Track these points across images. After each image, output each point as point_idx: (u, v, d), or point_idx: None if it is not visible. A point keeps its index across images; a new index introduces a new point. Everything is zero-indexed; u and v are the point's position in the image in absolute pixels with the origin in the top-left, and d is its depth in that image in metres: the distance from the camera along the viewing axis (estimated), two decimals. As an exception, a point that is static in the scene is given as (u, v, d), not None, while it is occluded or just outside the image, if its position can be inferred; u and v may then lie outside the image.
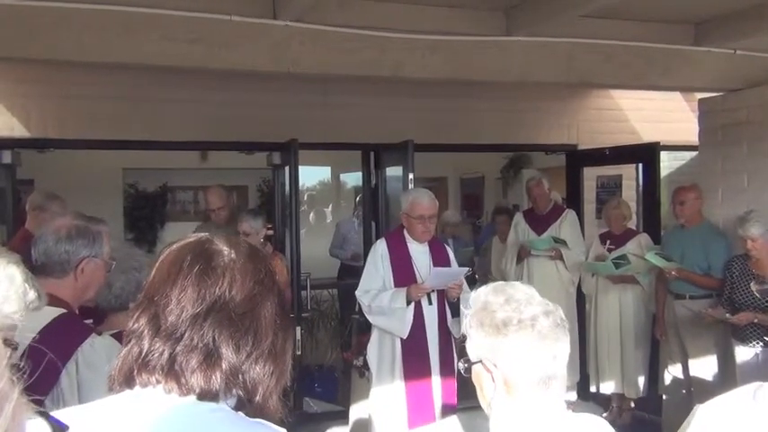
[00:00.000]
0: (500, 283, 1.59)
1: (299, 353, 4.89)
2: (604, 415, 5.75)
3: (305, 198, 11.61)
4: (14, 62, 4.26)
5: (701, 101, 5.49)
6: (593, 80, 4.75)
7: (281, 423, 1.20)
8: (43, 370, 2.02)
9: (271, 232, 5.18)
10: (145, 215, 10.37)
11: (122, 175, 9.85)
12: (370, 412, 4.25)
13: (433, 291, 4.07)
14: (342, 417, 5.17)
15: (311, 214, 11.56)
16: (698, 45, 4.64)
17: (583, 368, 5.88)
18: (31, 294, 1.50)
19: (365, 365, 4.29)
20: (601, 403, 5.89)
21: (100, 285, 2.33)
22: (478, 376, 1.52)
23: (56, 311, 2.12)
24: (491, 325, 1.48)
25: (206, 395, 1.12)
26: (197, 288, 1.16)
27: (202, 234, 1.27)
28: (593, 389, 5.78)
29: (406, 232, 4.22)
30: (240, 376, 1.15)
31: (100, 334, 2.21)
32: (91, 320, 2.53)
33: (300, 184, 11.49)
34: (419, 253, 4.19)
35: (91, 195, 8.68)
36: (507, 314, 1.48)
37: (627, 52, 4.53)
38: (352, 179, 10.86)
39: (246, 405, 1.17)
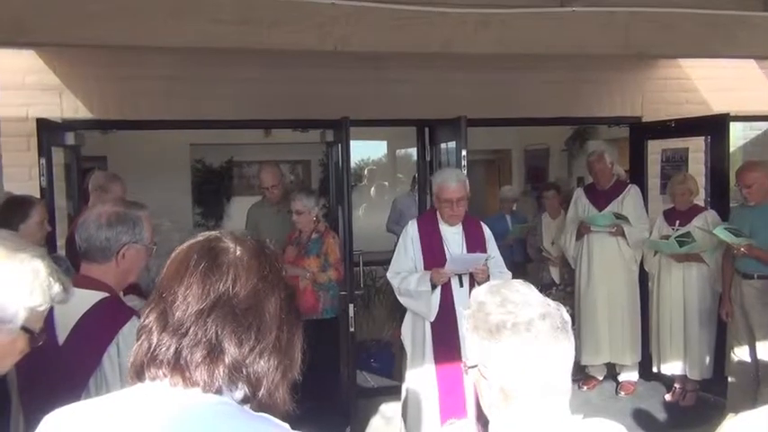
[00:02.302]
0: (498, 282, 1.51)
1: (351, 329, 4.93)
2: (667, 396, 5.62)
3: (365, 173, 11.64)
4: (76, 47, 4.39)
5: (774, 69, 5.18)
6: (652, 51, 4.53)
7: (287, 416, 1.22)
8: (86, 352, 2.13)
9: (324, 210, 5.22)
10: (212, 189, 10.66)
11: (189, 151, 10.11)
12: (406, 393, 4.28)
13: (465, 274, 4.03)
14: (397, 392, 5.21)
15: (372, 189, 11.58)
16: (766, 10, 4.35)
17: (645, 348, 5.73)
18: (56, 288, 1.55)
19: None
20: (664, 384, 5.74)
21: (142, 269, 2.40)
22: (477, 381, 1.45)
23: (99, 295, 2.20)
24: (485, 328, 1.39)
25: (209, 389, 1.16)
26: (202, 285, 1.19)
27: (212, 232, 1.31)
28: (654, 369, 5.62)
29: (438, 214, 4.18)
30: (244, 370, 1.18)
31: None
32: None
33: (362, 158, 11.60)
34: (451, 234, 4.15)
35: (160, 171, 9.02)
36: (501, 317, 1.38)
37: (689, 20, 4.29)
38: (413, 154, 10.84)
39: (252, 399, 1.19)
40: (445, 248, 4.11)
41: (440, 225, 4.16)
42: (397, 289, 4.12)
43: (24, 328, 1.49)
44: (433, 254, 4.09)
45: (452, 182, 4.07)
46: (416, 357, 4.14)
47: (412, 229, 4.20)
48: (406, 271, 4.11)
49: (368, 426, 5.20)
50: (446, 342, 3.99)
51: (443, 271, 3.96)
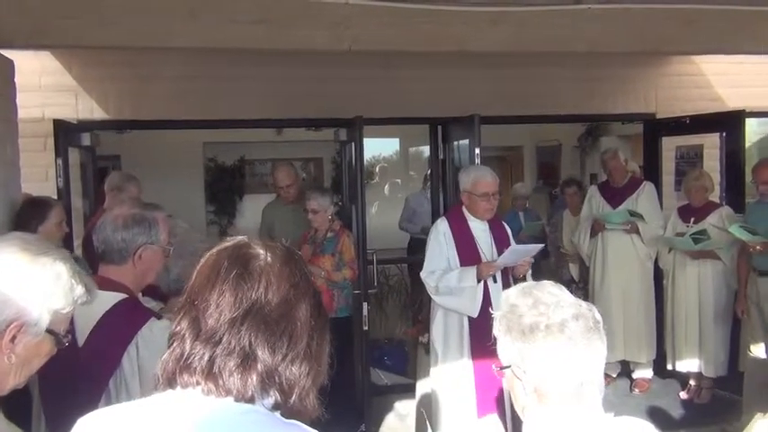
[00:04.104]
0: (529, 284, 1.52)
1: (365, 328, 4.95)
2: (682, 393, 5.59)
3: (376, 170, 11.64)
4: (91, 48, 4.42)
5: (790, 65, 5.13)
6: (670, 48, 4.52)
7: (317, 422, 1.23)
8: (105, 353, 2.14)
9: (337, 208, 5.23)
10: (224, 188, 10.70)
11: (202, 149, 10.16)
12: (435, 392, 4.27)
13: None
14: (411, 390, 5.23)
15: (386, 186, 11.58)
16: (787, 6, 4.32)
17: (659, 346, 5.71)
18: (79, 290, 1.56)
19: (430, 343, 4.30)
20: (679, 381, 5.71)
21: (159, 270, 2.42)
22: (510, 382, 1.47)
23: (117, 296, 2.22)
24: (518, 330, 1.41)
25: (242, 397, 1.16)
26: (234, 292, 1.19)
27: (240, 237, 1.30)
28: (669, 366, 5.60)
29: (465, 210, 4.18)
30: (276, 377, 1.18)
31: (160, 318, 2.29)
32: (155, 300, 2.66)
33: (373, 155, 11.60)
34: (480, 231, 4.16)
35: (173, 169, 9.06)
36: (534, 319, 1.41)
37: (706, 16, 4.26)
38: (426, 151, 10.83)
39: (283, 405, 1.20)
40: (477, 245, 4.11)
41: (469, 221, 4.17)
42: (435, 288, 4.06)
43: (49, 331, 1.51)
44: (468, 251, 4.08)
45: (488, 176, 4.10)
46: (450, 355, 4.11)
47: (443, 226, 4.17)
48: (441, 269, 4.08)
49: (382, 423, 5.21)
50: (484, 337, 3.95)
51: (496, 263, 3.96)
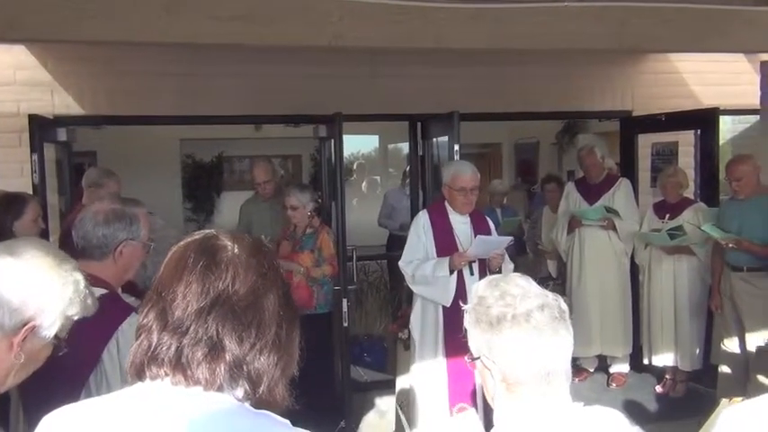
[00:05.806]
0: (496, 276, 1.55)
1: (345, 324, 4.95)
2: (657, 387, 5.67)
3: (354, 167, 11.65)
4: (67, 43, 4.37)
5: (762, 63, 5.22)
6: (647, 46, 4.56)
7: (287, 412, 1.23)
8: (85, 348, 2.12)
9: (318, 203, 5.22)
10: (202, 185, 10.64)
11: (180, 146, 10.08)
12: (411, 383, 4.30)
13: (474, 260, 4.10)
14: (390, 386, 5.25)
15: (364, 183, 11.59)
16: (758, 5, 4.39)
17: (636, 340, 5.79)
18: (90, 300, 1.61)
19: (410, 338, 4.34)
20: (655, 375, 5.80)
21: (139, 266, 2.40)
22: (481, 372, 1.50)
23: (98, 292, 2.19)
24: (486, 321, 1.45)
25: (210, 387, 1.16)
26: (201, 283, 1.19)
27: (208, 231, 1.30)
28: (645, 361, 5.68)
29: (447, 204, 4.25)
30: (245, 367, 1.18)
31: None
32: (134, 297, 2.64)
33: (351, 152, 11.61)
34: (460, 224, 4.24)
35: (150, 166, 8.98)
36: (501, 309, 1.44)
37: (683, 15, 4.31)
38: (405, 148, 10.86)
39: (252, 396, 1.20)
40: (456, 238, 4.18)
41: (450, 215, 4.23)
42: (412, 276, 4.15)
43: (55, 336, 1.53)
44: (445, 242, 4.16)
45: (467, 171, 4.18)
46: (426, 346, 4.19)
47: (423, 218, 4.27)
48: (418, 259, 4.16)
49: (362, 420, 5.22)
50: (458, 329, 3.99)
51: (466, 254, 4.03)
